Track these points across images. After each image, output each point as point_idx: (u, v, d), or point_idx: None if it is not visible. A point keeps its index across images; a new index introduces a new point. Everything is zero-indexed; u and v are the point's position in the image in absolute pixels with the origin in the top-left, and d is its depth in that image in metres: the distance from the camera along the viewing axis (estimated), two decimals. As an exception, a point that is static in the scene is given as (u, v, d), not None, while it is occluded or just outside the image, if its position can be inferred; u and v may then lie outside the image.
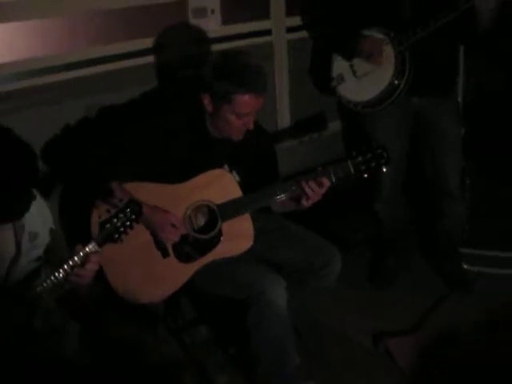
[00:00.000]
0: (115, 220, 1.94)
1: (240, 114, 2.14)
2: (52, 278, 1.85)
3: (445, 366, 2.54)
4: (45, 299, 1.87)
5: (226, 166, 2.31)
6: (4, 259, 1.92)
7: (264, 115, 2.45)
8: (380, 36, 2.65)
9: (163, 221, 2.21)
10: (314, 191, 2.19)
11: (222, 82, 2.11)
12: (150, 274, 2.27)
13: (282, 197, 2.24)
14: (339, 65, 2.84)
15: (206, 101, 2.17)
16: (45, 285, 1.84)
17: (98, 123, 2.60)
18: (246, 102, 2.11)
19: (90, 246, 1.90)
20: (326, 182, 2.18)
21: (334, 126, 3.58)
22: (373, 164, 2.21)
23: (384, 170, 2.24)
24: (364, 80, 2.74)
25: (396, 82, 2.65)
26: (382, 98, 2.69)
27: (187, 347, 2.66)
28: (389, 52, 2.64)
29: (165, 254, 2.27)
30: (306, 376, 2.43)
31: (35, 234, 2.00)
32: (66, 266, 1.86)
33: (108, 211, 1.98)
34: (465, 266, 3.16)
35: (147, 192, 2.23)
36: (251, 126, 2.20)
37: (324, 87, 3.01)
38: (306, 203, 2.21)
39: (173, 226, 2.23)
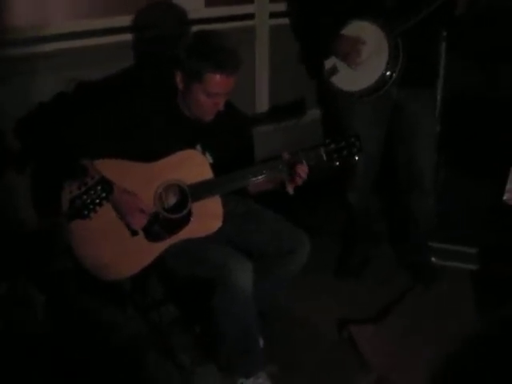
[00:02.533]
0: (85, 197, 1.95)
1: (210, 93, 2.14)
2: None
3: (406, 354, 2.58)
4: None
5: (198, 147, 2.31)
6: None
7: (242, 98, 2.47)
8: (368, 26, 2.64)
9: (131, 205, 2.21)
10: (291, 175, 2.20)
11: (193, 60, 2.12)
12: (117, 251, 2.27)
13: (254, 181, 2.24)
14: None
15: (178, 78, 2.18)
16: None
17: (73, 98, 2.59)
18: (216, 81, 2.12)
19: (59, 221, 1.91)
20: (304, 167, 2.19)
21: (313, 113, 3.60)
22: (345, 152, 2.23)
23: (356, 158, 2.26)
24: (359, 69, 2.71)
25: (390, 70, 2.64)
26: (377, 86, 2.68)
27: (154, 325, 2.68)
28: (381, 39, 2.63)
29: (134, 232, 2.27)
30: (269, 359, 2.48)
31: None
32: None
33: (79, 188, 1.98)
34: (433, 260, 3.20)
35: (119, 169, 2.22)
36: (221, 107, 2.20)
37: (312, 75, 3.02)
38: (290, 188, 2.23)
39: (141, 211, 2.22)
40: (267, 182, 2.27)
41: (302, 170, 2.19)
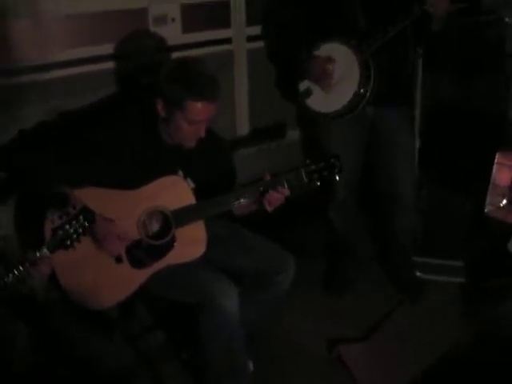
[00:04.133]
0: (67, 226, 1.95)
1: (191, 120, 2.16)
2: (2, 279, 1.86)
3: (394, 372, 2.59)
4: None
5: (180, 173, 2.32)
6: None
7: (223, 123, 2.49)
8: (339, 46, 2.69)
9: (108, 232, 2.19)
10: (272, 198, 2.21)
11: (174, 88, 2.13)
12: (102, 280, 2.26)
13: (236, 204, 2.25)
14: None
15: (160, 106, 2.19)
16: None
17: (54, 127, 2.59)
18: (197, 109, 2.13)
19: (42, 252, 1.91)
20: (284, 191, 2.21)
21: (293, 134, 3.63)
22: (325, 173, 2.24)
23: (337, 178, 2.28)
24: (332, 90, 2.75)
25: (362, 90, 2.67)
26: (350, 106, 2.71)
27: (142, 353, 2.67)
28: (352, 60, 2.67)
29: (118, 260, 2.27)
30: (260, 382, 2.47)
31: None
32: (15, 270, 1.87)
33: (60, 218, 1.98)
34: (418, 274, 3.22)
35: (101, 197, 2.22)
36: (202, 134, 2.21)
37: (288, 98, 3.05)
38: (268, 208, 2.23)
39: (117, 237, 2.21)
40: (250, 204, 2.28)
41: (282, 192, 2.20)
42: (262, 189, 2.22)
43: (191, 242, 2.29)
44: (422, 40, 2.90)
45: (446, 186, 3.37)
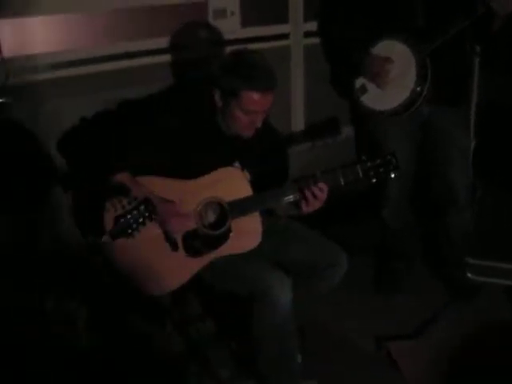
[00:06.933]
0: (129, 216, 2.01)
1: (247, 110, 2.18)
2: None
3: (444, 373, 2.57)
4: None
5: (237, 164, 2.35)
6: None
7: (278, 117, 2.50)
8: (397, 44, 2.68)
9: (169, 212, 2.23)
10: (314, 196, 2.22)
11: (230, 78, 2.16)
12: (157, 266, 2.30)
13: (290, 198, 2.27)
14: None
15: (217, 96, 2.22)
16: None
17: (115, 116, 2.65)
18: (252, 98, 2.15)
19: (104, 239, 1.97)
20: (325, 187, 2.22)
21: (348, 131, 3.62)
22: (381, 170, 2.25)
23: (392, 175, 2.28)
24: (388, 88, 2.75)
25: (419, 88, 2.66)
26: (406, 105, 2.70)
27: (192, 341, 2.71)
28: (409, 59, 2.66)
29: (174, 248, 2.31)
30: (308, 375, 2.49)
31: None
32: None
33: (123, 207, 2.03)
34: (469, 276, 3.19)
35: (159, 187, 2.25)
36: (259, 125, 2.23)
37: (343, 94, 3.05)
38: (305, 208, 2.25)
39: (178, 216, 2.25)
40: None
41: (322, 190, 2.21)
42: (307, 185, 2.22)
43: (246, 234, 2.31)
44: (481, 39, 2.86)
45: (501, 188, 3.32)
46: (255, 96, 2.15)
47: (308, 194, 2.22)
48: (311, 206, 2.24)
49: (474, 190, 3.18)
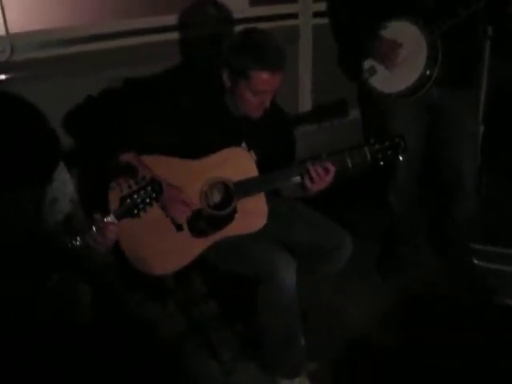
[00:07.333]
0: (135, 196, 1.98)
1: (256, 90, 2.15)
2: (71, 242, 1.91)
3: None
4: None
5: (244, 144, 2.33)
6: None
7: (285, 98, 2.47)
8: (407, 25, 2.64)
9: (174, 198, 2.22)
10: (319, 176, 2.20)
11: (239, 58, 2.13)
12: (162, 246, 2.29)
13: (297, 179, 2.25)
14: None
15: (225, 76, 2.19)
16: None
17: (120, 95, 2.62)
18: (262, 78, 2.12)
19: (109, 219, 1.95)
20: (332, 168, 2.20)
21: (355, 113, 3.59)
22: (389, 152, 2.23)
23: (401, 158, 2.25)
24: (397, 70, 2.72)
25: (428, 71, 2.63)
26: (415, 88, 2.67)
27: (195, 321, 2.71)
28: (420, 41, 2.62)
29: (179, 228, 2.30)
30: (309, 357, 2.48)
31: (55, 198, 2.04)
32: (82, 234, 1.92)
33: (129, 187, 2.01)
34: (475, 262, 3.17)
35: (164, 166, 2.24)
36: (267, 105, 2.21)
37: (351, 76, 3.02)
38: (310, 186, 2.22)
39: (183, 203, 2.23)
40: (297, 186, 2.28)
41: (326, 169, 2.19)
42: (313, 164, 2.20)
43: (252, 214, 2.29)
44: (494, 22, 2.81)
45: (508, 173, 3.30)
46: (265, 76, 2.12)
47: (314, 172, 2.20)
48: (316, 185, 2.22)
49: (481, 176, 3.16)
